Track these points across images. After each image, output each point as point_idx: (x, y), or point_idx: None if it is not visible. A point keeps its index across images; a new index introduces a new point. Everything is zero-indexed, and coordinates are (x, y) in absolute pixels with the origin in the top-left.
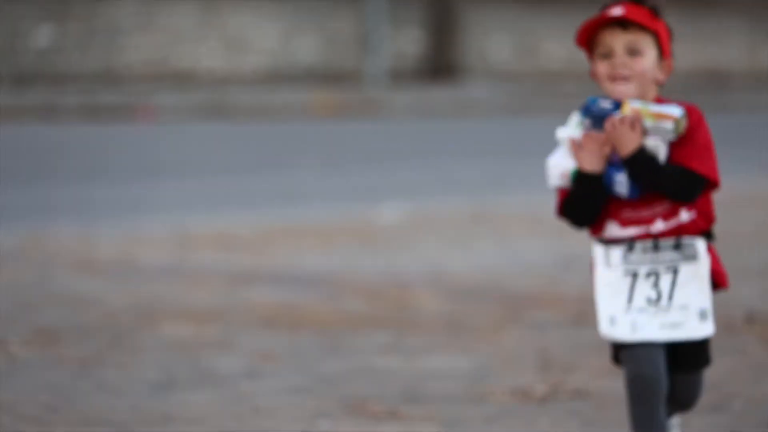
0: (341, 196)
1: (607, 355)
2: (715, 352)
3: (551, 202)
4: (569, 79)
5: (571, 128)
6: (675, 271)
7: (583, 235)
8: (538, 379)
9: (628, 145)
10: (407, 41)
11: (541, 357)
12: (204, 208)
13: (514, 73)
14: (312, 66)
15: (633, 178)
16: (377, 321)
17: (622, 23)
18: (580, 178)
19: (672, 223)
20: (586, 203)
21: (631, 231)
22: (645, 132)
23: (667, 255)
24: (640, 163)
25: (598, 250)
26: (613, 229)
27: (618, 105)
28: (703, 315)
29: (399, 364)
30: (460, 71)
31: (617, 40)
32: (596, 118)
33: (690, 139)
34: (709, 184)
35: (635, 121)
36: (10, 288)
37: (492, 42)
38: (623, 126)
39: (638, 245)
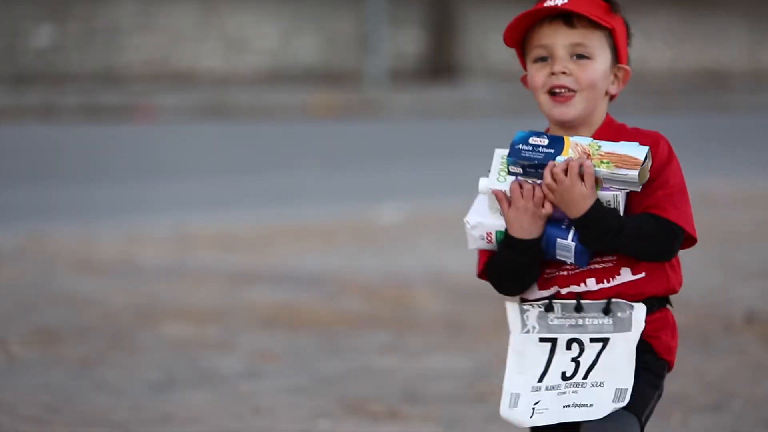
0: (341, 196)
1: None
2: (715, 352)
3: None
4: None
5: (496, 176)
6: (604, 343)
7: None
8: None
9: (579, 204)
10: (407, 41)
11: None
12: (204, 208)
13: (514, 73)
14: (312, 66)
15: (587, 244)
16: (377, 321)
17: (567, 17)
18: (509, 243)
19: (608, 285)
20: (517, 274)
21: (551, 291)
22: (599, 181)
23: (594, 320)
24: (596, 225)
25: (511, 310)
26: (531, 289)
27: (558, 141)
28: (619, 396)
29: (399, 364)
30: (460, 71)
31: (559, 40)
32: (529, 166)
33: (660, 179)
34: (687, 237)
35: (585, 170)
36: (10, 288)
37: (492, 42)
38: (570, 177)
39: (557, 305)
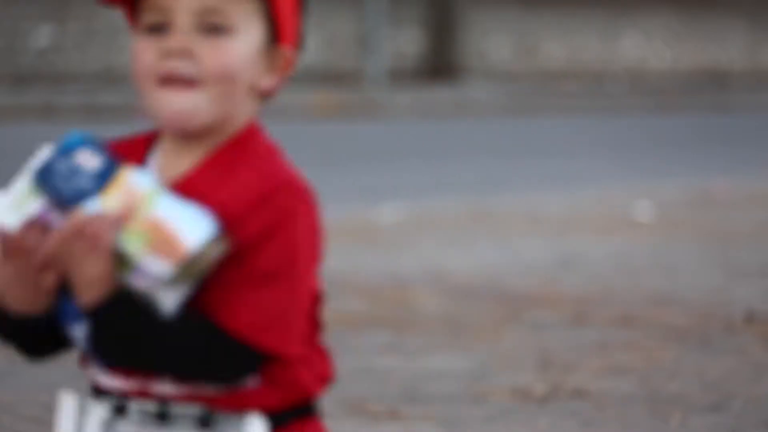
0: (341, 196)
1: (607, 354)
2: (715, 352)
3: (551, 202)
4: (569, 79)
5: (11, 201)
6: None
7: (584, 234)
8: (537, 379)
9: (84, 290)
10: (407, 41)
11: (540, 357)
12: None
13: (514, 73)
14: (312, 66)
15: (98, 346)
16: (377, 321)
17: None
18: None
19: (194, 390)
20: (17, 347)
21: (121, 383)
22: (131, 260)
23: None
24: (103, 328)
25: (66, 405)
26: (99, 373)
27: (109, 171)
28: None
29: (399, 364)
30: (460, 71)
31: (182, 1)
32: (55, 199)
33: (247, 263)
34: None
35: (97, 243)
36: None
37: (492, 42)
38: (78, 247)
39: (134, 407)
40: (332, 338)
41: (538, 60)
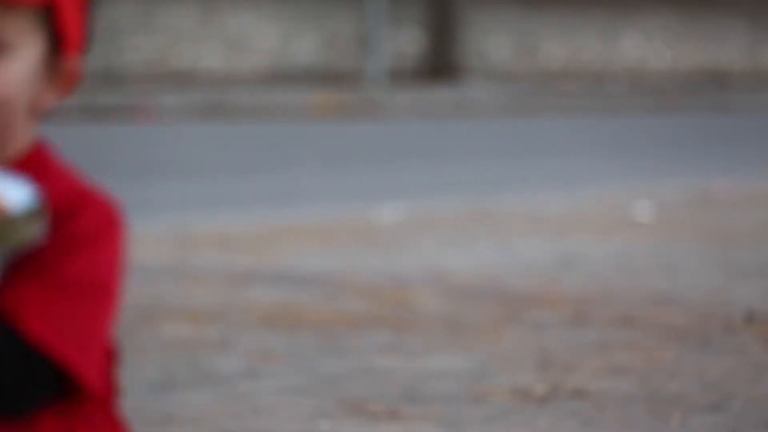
0: (341, 196)
1: (607, 354)
2: (715, 352)
3: (551, 202)
4: (569, 79)
5: None
6: None
7: (584, 234)
8: (537, 379)
9: None
10: (407, 41)
11: (540, 357)
12: (204, 208)
13: (514, 73)
14: (312, 66)
15: None
16: (377, 321)
17: None
18: None
19: None
20: None
21: None
22: None
23: None
24: None
25: None
26: None
27: None
28: None
29: (399, 364)
30: (460, 71)
31: None
32: None
33: (55, 265)
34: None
35: None
36: None
37: (492, 42)
38: None
39: None
40: (332, 338)
41: (538, 60)
